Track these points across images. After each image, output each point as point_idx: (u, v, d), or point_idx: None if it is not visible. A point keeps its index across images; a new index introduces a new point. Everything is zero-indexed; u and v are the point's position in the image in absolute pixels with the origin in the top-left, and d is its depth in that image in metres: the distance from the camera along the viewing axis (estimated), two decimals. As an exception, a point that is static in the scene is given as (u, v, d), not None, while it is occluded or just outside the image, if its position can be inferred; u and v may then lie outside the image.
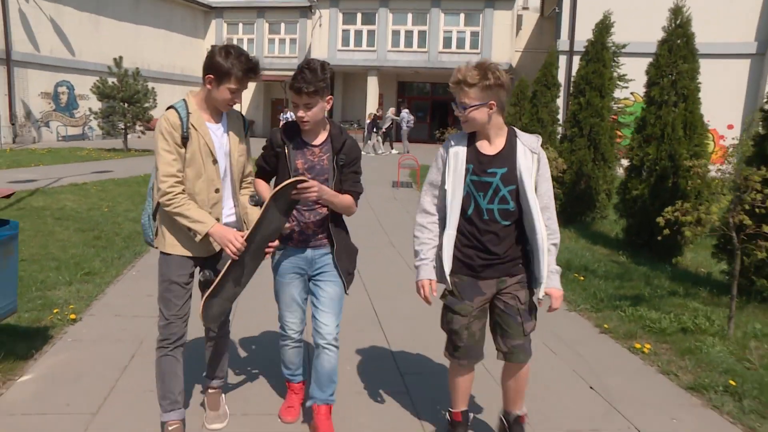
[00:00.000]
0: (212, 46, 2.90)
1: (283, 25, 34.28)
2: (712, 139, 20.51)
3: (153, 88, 21.60)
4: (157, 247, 3.04)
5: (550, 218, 2.78)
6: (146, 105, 20.64)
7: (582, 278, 6.35)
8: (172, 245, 2.96)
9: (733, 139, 8.88)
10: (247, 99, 34.01)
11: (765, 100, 6.18)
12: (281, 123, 22.61)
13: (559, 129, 11.46)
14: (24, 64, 22.98)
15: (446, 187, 2.77)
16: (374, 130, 25.14)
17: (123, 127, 21.01)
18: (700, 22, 19.72)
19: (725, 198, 4.73)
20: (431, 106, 35.89)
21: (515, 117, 14.83)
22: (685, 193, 7.06)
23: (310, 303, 3.20)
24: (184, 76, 32.50)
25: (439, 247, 2.83)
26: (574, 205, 9.69)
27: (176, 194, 2.82)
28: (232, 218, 3.09)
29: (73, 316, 4.77)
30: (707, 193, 6.49)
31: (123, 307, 5.12)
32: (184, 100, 2.93)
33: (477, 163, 2.74)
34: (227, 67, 2.79)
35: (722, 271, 6.26)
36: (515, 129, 2.82)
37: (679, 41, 7.64)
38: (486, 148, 2.76)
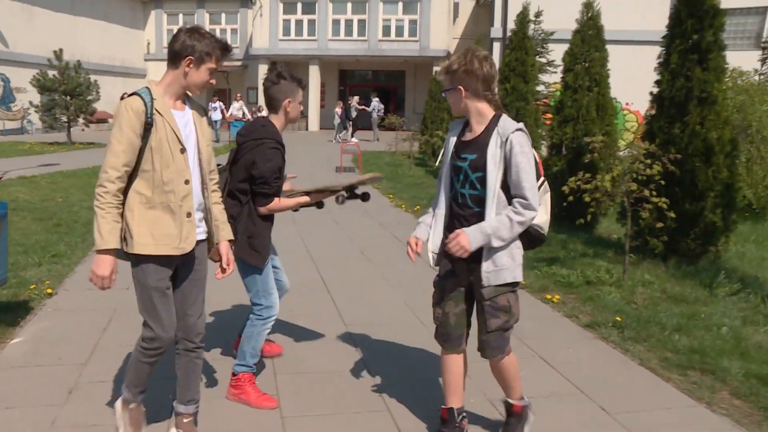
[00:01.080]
0: (178, 30, 2.78)
1: (223, 16, 34.35)
2: (636, 120, 21.88)
3: (96, 81, 21.54)
4: (126, 257, 2.76)
5: (522, 204, 2.68)
6: (89, 98, 20.62)
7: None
8: (143, 244, 2.69)
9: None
10: (189, 89, 33.90)
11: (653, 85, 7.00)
12: (209, 112, 22.57)
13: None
14: (-45, 57, 22.54)
15: (441, 170, 3.01)
16: (347, 119, 25.56)
17: (66, 120, 20.93)
18: (624, 11, 20.87)
19: (616, 168, 5.59)
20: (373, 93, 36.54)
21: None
22: (596, 167, 7.96)
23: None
24: (125, 68, 32.24)
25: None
26: (504, 183, 10.55)
27: (108, 191, 2.62)
28: (203, 235, 2.92)
29: (49, 291, 5.28)
30: (604, 165, 7.39)
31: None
32: (146, 87, 2.74)
33: (456, 148, 2.89)
34: (206, 46, 2.72)
35: (624, 234, 7.17)
36: (502, 116, 2.81)
37: (590, 32, 8.53)
38: (467, 134, 2.88)
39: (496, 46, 21.26)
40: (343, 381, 3.78)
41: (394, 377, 3.82)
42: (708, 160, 6.15)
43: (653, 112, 6.82)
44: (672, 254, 6.44)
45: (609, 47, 8.51)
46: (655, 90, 6.73)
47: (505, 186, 2.75)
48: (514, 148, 2.70)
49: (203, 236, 2.92)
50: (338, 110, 26.25)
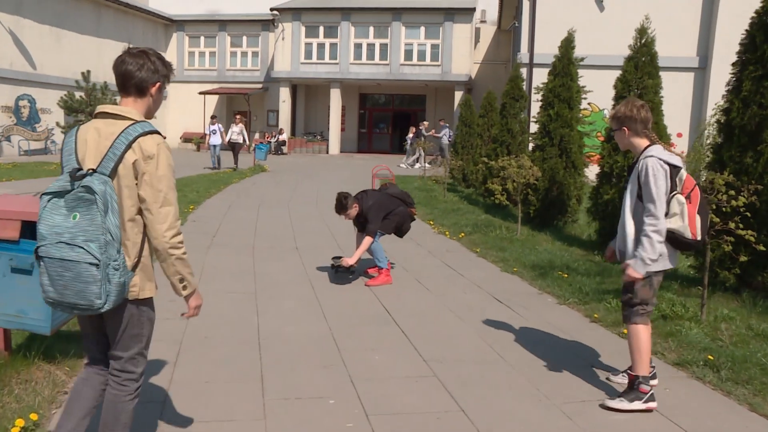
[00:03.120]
0: (126, 56, 2.63)
1: (245, 38, 34.53)
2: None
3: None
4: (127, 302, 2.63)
5: (647, 215, 3.59)
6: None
7: (566, 275, 6.95)
8: (151, 289, 2.70)
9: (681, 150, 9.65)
10: (209, 112, 34.03)
11: (713, 113, 6.86)
12: (207, 136, 21.28)
13: (530, 139, 12.10)
14: (-16, 78, 22.71)
15: None
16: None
17: (91, 141, 20.90)
18: (657, 37, 20.76)
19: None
20: (392, 117, 36.58)
21: (484, 128, 15.53)
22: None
23: None
24: (146, 89, 32.41)
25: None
26: (548, 211, 10.36)
27: (183, 239, 2.61)
28: None
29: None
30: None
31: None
32: (147, 122, 2.63)
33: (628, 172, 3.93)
34: (166, 68, 2.70)
35: (689, 266, 6.95)
36: (651, 147, 3.74)
37: (644, 58, 8.39)
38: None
39: (523, 71, 21.17)
40: (441, 424, 3.56)
41: (494, 420, 3.60)
42: (785, 190, 5.94)
43: (719, 140, 6.63)
44: (744, 287, 6.21)
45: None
46: (722, 118, 6.56)
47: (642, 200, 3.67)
48: (642, 170, 3.67)
49: None
50: (411, 135, 25.98)
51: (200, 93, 32.97)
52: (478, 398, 3.90)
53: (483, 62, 32.87)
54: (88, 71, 21.02)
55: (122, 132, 2.50)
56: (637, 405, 3.71)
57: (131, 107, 2.61)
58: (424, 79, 31.38)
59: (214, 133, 20.99)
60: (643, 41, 8.37)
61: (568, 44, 10.25)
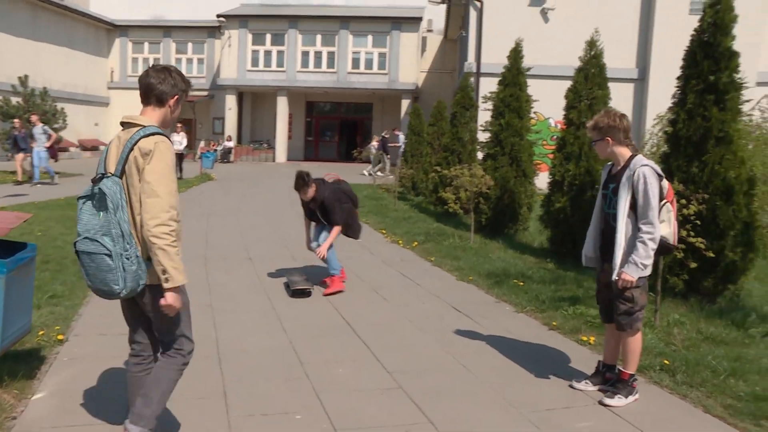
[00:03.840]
0: (152, 71, 2.96)
1: (190, 45, 33.89)
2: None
3: (63, 109, 20.88)
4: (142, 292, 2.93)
5: (645, 223, 3.77)
6: (55, 126, 19.93)
7: (522, 283, 7.05)
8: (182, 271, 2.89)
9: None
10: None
11: (654, 122, 7.05)
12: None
13: (479, 148, 12.24)
14: None
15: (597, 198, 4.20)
16: (385, 152, 24.11)
17: (29, 148, 20.11)
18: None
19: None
20: (339, 125, 36.54)
21: (434, 136, 15.65)
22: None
23: None
24: (87, 95, 31.43)
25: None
26: (499, 219, 10.50)
27: (174, 230, 2.79)
28: None
29: (60, 337, 4.91)
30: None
31: (104, 327, 5.26)
32: (155, 125, 2.93)
33: (606, 180, 4.09)
34: (185, 84, 3.01)
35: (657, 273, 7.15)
36: (636, 156, 3.92)
37: (593, 70, 8.61)
38: (613, 170, 4.05)
39: (471, 80, 21.47)
40: None
41: (459, 427, 3.60)
42: (729, 199, 6.18)
43: (666, 150, 6.86)
44: (692, 293, 6.43)
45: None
46: (669, 129, 6.79)
47: (633, 208, 3.84)
48: (639, 178, 3.80)
49: None
50: (375, 143, 25.37)
51: (143, 100, 32.11)
52: (446, 409, 3.89)
53: (429, 71, 33.21)
54: (26, 75, 20.22)
55: (131, 136, 2.84)
56: (632, 399, 4.02)
57: (148, 116, 2.95)
58: (371, 87, 31.47)
59: (180, 144, 19.55)
60: (592, 53, 8.60)
61: (516, 54, 10.44)
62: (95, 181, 2.86)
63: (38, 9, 28.18)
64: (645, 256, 3.79)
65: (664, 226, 3.93)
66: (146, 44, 33.94)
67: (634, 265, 3.80)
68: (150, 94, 2.96)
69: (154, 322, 3.07)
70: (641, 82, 21.35)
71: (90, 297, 6.10)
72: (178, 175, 19.46)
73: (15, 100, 20.08)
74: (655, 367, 4.60)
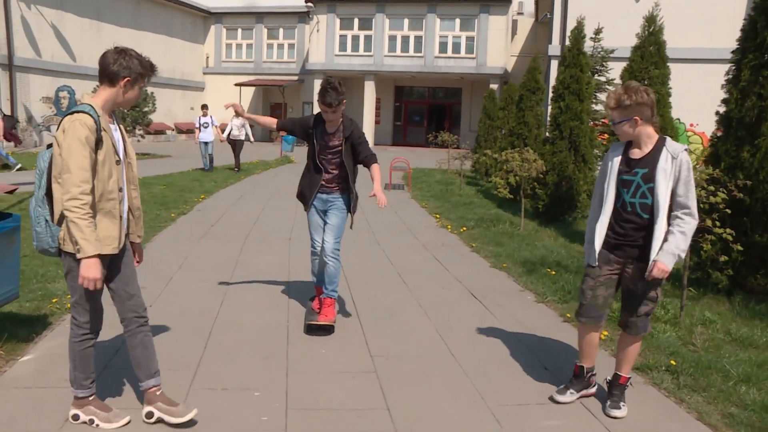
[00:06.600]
0: (108, 51, 3.09)
1: (281, 31, 34.73)
2: (701, 142, 20.83)
3: (152, 93, 21.96)
4: (60, 255, 3.11)
5: (687, 213, 3.39)
6: (145, 109, 21.02)
7: (553, 273, 6.69)
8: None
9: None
10: (246, 103, 34.40)
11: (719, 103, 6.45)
12: (197, 132, 16.73)
13: (547, 132, 11.78)
14: (26, 69, 23.36)
15: (604, 184, 3.57)
16: None
17: (123, 130, 21.36)
18: (692, 27, 19.87)
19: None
20: (428, 110, 36.27)
21: (504, 120, 15.19)
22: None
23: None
24: (184, 81, 32.96)
25: (591, 229, 3.65)
26: (556, 206, 10.04)
27: (86, 203, 2.86)
28: (126, 230, 3.27)
29: (69, 306, 5.12)
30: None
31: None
32: (90, 105, 3.00)
33: (625, 164, 3.50)
34: (144, 69, 3.11)
35: (681, 266, 6.60)
36: (666, 138, 3.47)
37: (651, 48, 8.03)
38: (635, 153, 3.50)
39: (554, 64, 20.64)
40: (359, 422, 3.43)
41: (416, 420, 3.45)
42: (782, 187, 5.57)
43: (719, 133, 6.27)
44: (738, 290, 5.86)
45: (674, 65, 7.97)
46: (722, 109, 6.19)
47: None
48: (683, 165, 3.37)
49: (126, 231, 3.28)
50: None
51: (236, 84, 33.29)
52: (410, 396, 3.75)
53: (520, 55, 32.21)
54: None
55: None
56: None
57: (97, 94, 3.08)
58: (458, 71, 30.99)
59: (205, 127, 16.84)
60: (650, 30, 8.01)
61: (578, 34, 9.88)
62: None
63: (140, 1, 29.76)
64: (684, 248, 3.41)
65: None
66: (239, 30, 35.11)
67: (671, 255, 3.37)
68: (103, 73, 3.06)
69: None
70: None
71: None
72: (234, 167, 17.22)
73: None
74: (660, 367, 4.22)
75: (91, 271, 2.92)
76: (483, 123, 17.69)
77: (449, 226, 9.79)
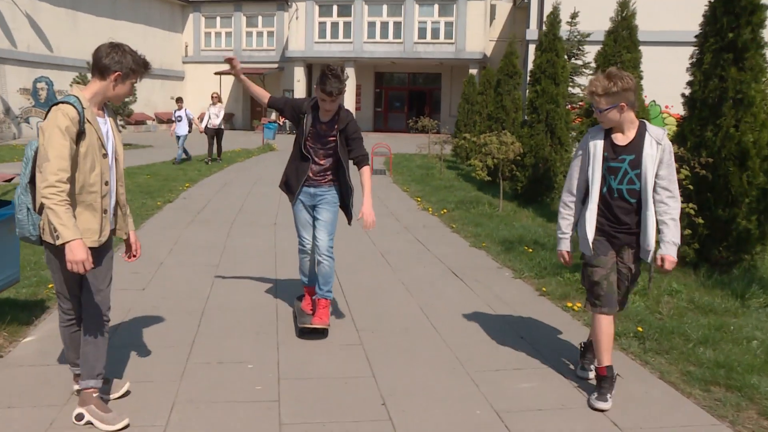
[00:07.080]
0: (102, 45, 3.10)
1: (260, 18, 34.63)
2: (676, 123, 21.25)
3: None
4: (41, 243, 3.16)
5: (670, 197, 3.44)
6: (126, 100, 20.99)
7: (530, 250, 6.98)
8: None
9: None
10: (226, 92, 34.30)
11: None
12: (173, 126, 16.31)
13: (525, 116, 12.05)
14: (1, 60, 23.19)
15: (588, 172, 3.54)
16: None
17: (103, 121, 21.29)
18: (668, 10, 20.08)
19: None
20: (408, 96, 36.45)
21: (482, 105, 15.45)
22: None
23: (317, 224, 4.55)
24: (163, 70, 32.76)
25: (582, 219, 3.60)
26: (534, 187, 10.34)
27: (63, 191, 2.87)
28: (113, 225, 3.30)
29: (66, 290, 5.31)
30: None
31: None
32: (76, 96, 3.01)
33: (611, 151, 3.50)
34: (137, 65, 3.11)
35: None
36: (645, 122, 3.50)
37: (623, 32, 8.29)
38: (619, 139, 3.49)
39: (532, 48, 20.94)
40: (346, 388, 3.68)
41: (400, 385, 3.71)
42: (743, 164, 5.88)
43: (686, 114, 6.57)
44: (703, 263, 6.18)
45: (648, 48, 8.23)
46: (687, 91, 6.49)
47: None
48: (666, 149, 3.43)
49: (113, 226, 3.33)
50: None
51: (216, 73, 33.18)
52: (393, 366, 4.00)
53: (499, 39, 32.46)
54: (101, 52, 21.31)
55: None
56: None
57: (87, 86, 3.12)
58: (438, 57, 31.18)
59: (179, 121, 16.50)
60: (623, 14, 8.27)
61: (554, 19, 10.16)
62: None
63: (118, -12, 29.56)
64: (678, 234, 3.47)
65: None
66: (218, 19, 34.96)
67: (673, 246, 3.45)
68: (95, 66, 3.10)
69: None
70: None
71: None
72: (213, 157, 16.63)
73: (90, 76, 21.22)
74: (628, 334, 4.53)
75: (76, 253, 2.88)
76: (462, 108, 17.93)
77: (430, 209, 10.06)
